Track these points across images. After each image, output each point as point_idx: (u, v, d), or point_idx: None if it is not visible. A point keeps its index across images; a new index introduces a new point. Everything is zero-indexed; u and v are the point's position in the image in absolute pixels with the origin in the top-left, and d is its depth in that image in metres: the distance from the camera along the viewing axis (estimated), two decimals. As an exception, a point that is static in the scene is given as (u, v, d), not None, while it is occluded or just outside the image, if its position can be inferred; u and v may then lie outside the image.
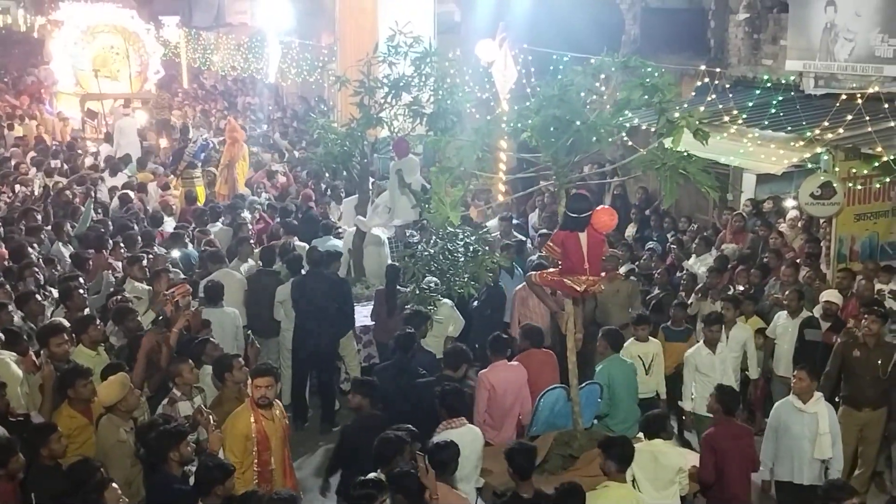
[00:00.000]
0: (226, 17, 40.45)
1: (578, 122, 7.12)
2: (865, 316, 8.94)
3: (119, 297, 9.50)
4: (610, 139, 8.18)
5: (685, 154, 7.20)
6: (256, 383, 7.18)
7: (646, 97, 7.21)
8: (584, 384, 8.07)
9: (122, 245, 11.61)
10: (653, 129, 7.80)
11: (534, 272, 8.29)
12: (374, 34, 16.49)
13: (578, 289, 7.43)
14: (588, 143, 7.38)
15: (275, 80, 29.06)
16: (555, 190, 7.93)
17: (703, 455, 7.46)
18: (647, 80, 7.26)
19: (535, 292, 8.38)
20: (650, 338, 9.58)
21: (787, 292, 10.07)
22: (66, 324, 8.25)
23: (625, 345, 9.09)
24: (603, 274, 10.53)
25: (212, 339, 8.50)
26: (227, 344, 9.35)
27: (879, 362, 8.67)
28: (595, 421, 8.29)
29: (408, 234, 11.84)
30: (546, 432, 7.85)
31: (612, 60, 7.52)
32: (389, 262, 11.08)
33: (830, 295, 9.87)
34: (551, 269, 7.84)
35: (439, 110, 10.07)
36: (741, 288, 10.90)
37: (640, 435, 7.55)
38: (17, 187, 15.51)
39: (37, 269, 10.32)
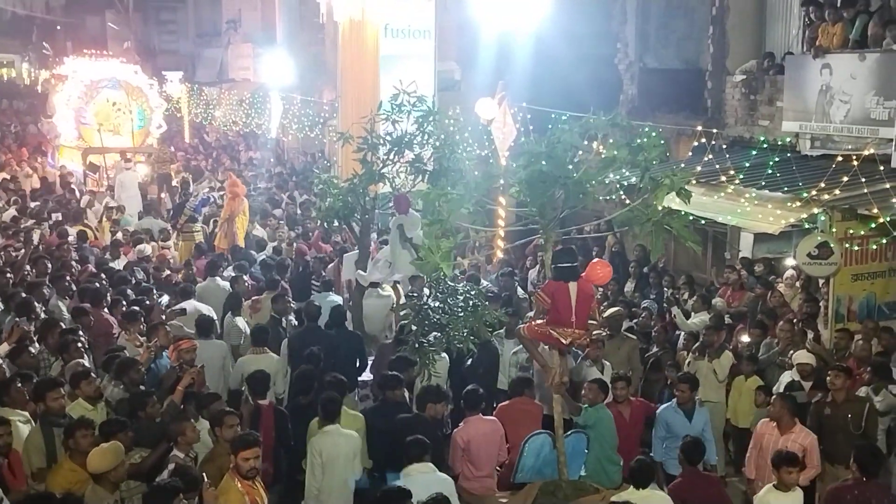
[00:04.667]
0: (228, 73, 41.00)
1: (564, 179, 7.27)
2: (861, 375, 8.99)
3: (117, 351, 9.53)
4: (606, 196, 8.33)
5: (668, 210, 7.33)
6: (244, 456, 6.85)
7: (630, 156, 7.37)
8: (569, 433, 8.18)
9: (122, 300, 11.65)
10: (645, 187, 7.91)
11: (522, 325, 8.37)
12: (376, 91, 16.68)
13: (564, 341, 7.57)
14: (575, 199, 7.53)
15: (276, 135, 29.32)
16: (542, 243, 8.06)
17: None
18: (635, 139, 7.43)
19: (524, 345, 8.45)
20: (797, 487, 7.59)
21: (790, 352, 10.11)
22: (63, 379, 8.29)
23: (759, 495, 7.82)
24: (604, 332, 10.67)
25: (220, 396, 8.52)
26: (214, 376, 9.76)
27: (850, 417, 8.72)
28: (582, 473, 8.35)
29: (410, 290, 11.89)
30: (531, 481, 7.98)
31: (599, 119, 7.69)
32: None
33: (802, 357, 9.88)
34: (539, 321, 7.96)
35: (441, 168, 10.17)
36: (745, 340, 10.94)
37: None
38: (36, 235, 15.58)
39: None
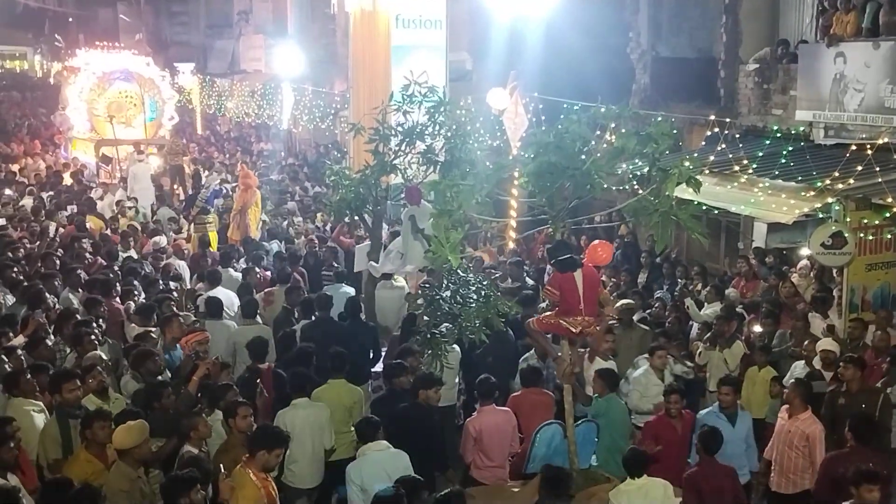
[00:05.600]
0: (240, 64, 41.06)
1: (572, 169, 7.29)
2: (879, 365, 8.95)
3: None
4: (619, 187, 8.33)
5: (679, 200, 7.33)
6: (277, 453, 6.95)
7: (639, 146, 7.38)
8: (580, 422, 8.22)
9: (135, 291, 11.71)
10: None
11: (531, 318, 8.38)
12: (388, 82, 16.64)
13: (574, 330, 7.63)
14: (582, 190, 7.54)
15: (287, 126, 29.34)
16: (552, 233, 8.08)
17: (686, 496, 7.48)
18: (645, 129, 7.42)
19: (533, 338, 8.48)
20: None
21: (805, 343, 10.07)
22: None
23: None
24: (615, 322, 10.67)
25: (234, 386, 8.54)
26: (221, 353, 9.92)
27: (863, 407, 8.69)
28: (593, 462, 8.38)
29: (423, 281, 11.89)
30: None
31: (609, 110, 7.70)
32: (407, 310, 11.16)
33: (827, 344, 9.85)
34: (547, 313, 8.01)
35: (452, 158, 10.17)
36: (758, 330, 10.90)
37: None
38: (52, 228, 15.67)
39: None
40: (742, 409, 8.86)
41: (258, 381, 8.89)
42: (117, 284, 11.95)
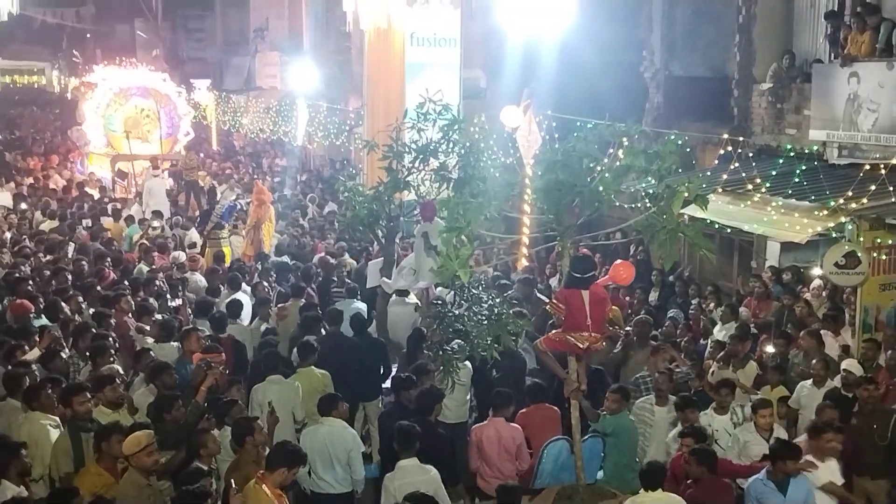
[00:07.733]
0: (256, 81, 41.18)
1: (580, 186, 7.35)
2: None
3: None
4: (632, 205, 8.34)
5: (687, 218, 7.37)
6: (296, 470, 7.07)
7: (646, 164, 7.44)
8: (586, 437, 8.27)
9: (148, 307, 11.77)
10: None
11: (539, 339, 8.40)
12: (402, 99, 16.73)
13: (581, 346, 7.65)
14: (590, 207, 7.59)
15: (302, 142, 29.49)
16: (559, 249, 8.14)
17: None
18: (653, 147, 7.47)
19: (541, 360, 8.51)
20: None
21: (813, 361, 10.02)
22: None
23: None
24: (634, 339, 10.65)
25: (239, 401, 8.56)
26: None
27: (875, 427, 8.65)
28: (600, 475, 8.40)
29: (434, 297, 11.89)
30: (549, 485, 8.09)
31: (615, 128, 7.77)
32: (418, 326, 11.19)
33: (850, 364, 9.78)
34: (554, 331, 8.02)
35: (466, 176, 10.21)
36: (770, 350, 10.82)
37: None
38: (70, 248, 15.75)
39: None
40: (797, 476, 7.50)
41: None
42: (129, 297, 11.97)
